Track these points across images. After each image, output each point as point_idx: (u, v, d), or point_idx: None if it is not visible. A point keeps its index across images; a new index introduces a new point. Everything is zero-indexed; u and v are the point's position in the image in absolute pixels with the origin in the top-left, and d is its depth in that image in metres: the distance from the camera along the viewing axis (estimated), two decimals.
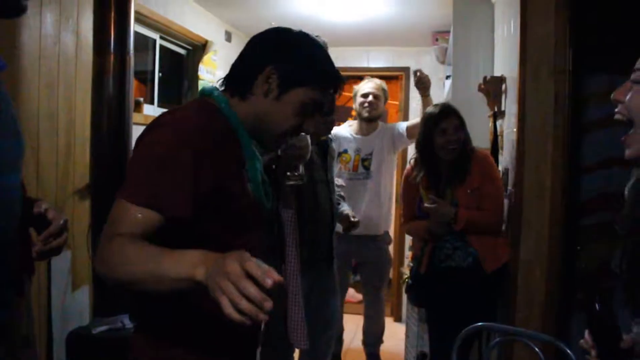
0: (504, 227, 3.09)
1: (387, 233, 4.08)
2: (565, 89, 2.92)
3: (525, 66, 2.98)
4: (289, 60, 1.41)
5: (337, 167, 3.71)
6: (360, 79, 7.49)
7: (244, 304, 0.96)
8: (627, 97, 1.22)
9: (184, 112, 1.39)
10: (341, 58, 6.22)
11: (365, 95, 3.94)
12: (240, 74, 1.45)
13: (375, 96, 3.93)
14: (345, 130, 4.08)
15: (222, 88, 1.48)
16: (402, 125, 4.08)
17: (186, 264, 1.09)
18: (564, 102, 2.92)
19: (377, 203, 3.92)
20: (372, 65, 6.22)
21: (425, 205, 2.89)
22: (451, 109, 2.98)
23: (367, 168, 3.88)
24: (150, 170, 1.26)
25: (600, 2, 2.94)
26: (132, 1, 2.92)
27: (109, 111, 2.82)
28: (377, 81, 4.05)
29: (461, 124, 2.96)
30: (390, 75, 6.14)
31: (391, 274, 5.89)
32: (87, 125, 2.88)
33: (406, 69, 6.06)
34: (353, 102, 4.07)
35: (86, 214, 2.89)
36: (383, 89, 3.99)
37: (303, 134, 1.59)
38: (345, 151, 3.92)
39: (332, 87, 1.48)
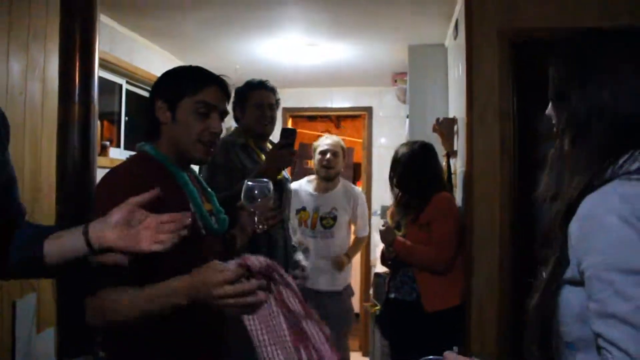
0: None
1: (349, 286, 4.05)
2: (511, 130, 3.11)
3: (472, 109, 3.17)
4: (166, 86, 1.67)
5: (295, 219, 3.81)
6: (328, 118, 7.75)
7: (248, 300, 1.23)
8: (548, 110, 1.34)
9: (120, 166, 1.64)
10: (306, 99, 6.43)
11: (323, 153, 3.90)
12: (147, 119, 1.69)
13: (334, 153, 3.88)
14: (305, 185, 4.04)
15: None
16: (359, 200, 4.10)
17: (171, 298, 1.32)
18: (510, 143, 3.11)
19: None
20: (336, 105, 6.41)
21: (379, 228, 3.10)
22: (415, 150, 3.17)
23: (325, 227, 3.86)
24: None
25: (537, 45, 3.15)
26: (96, 50, 3.02)
27: (74, 157, 2.89)
28: (335, 138, 4.02)
29: (412, 163, 3.12)
30: (354, 115, 6.34)
31: (357, 308, 6.00)
32: (52, 172, 2.94)
33: (369, 108, 6.27)
34: (312, 158, 4.04)
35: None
36: (341, 146, 3.96)
37: (266, 184, 1.76)
38: (304, 209, 3.90)
39: (207, 84, 1.68)
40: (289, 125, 6.73)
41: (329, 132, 7.21)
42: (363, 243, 4.30)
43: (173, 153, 1.67)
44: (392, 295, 3.10)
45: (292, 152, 2.43)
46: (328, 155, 3.86)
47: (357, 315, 6.09)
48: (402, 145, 3.24)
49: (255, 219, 1.80)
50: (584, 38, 1.29)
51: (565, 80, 1.24)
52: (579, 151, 1.18)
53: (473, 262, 3.05)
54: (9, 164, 1.35)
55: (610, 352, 0.96)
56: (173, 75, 1.73)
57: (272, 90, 2.85)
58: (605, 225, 1.03)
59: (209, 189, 1.86)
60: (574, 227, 1.08)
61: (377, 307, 3.64)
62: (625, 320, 0.95)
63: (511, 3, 3.14)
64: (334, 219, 3.88)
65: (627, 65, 1.19)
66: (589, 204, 1.08)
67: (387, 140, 6.06)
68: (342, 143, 4.01)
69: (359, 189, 4.32)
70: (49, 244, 1.20)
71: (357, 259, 6.29)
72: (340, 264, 3.86)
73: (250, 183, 1.78)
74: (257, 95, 2.79)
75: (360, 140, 6.51)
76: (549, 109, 1.33)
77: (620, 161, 1.10)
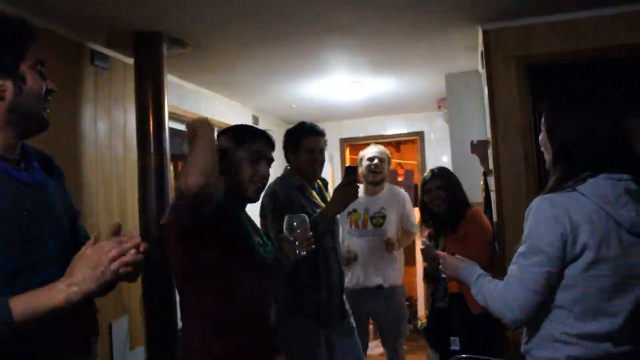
0: None
1: (401, 286, 4.22)
2: (532, 146, 3.40)
3: (497, 130, 3.48)
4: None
5: (346, 223, 4.08)
6: (389, 143, 8.09)
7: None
8: (540, 138, 1.81)
9: None
10: (361, 129, 6.86)
11: (370, 159, 4.14)
12: None
13: (380, 159, 4.16)
14: None
15: None
16: (405, 201, 4.29)
17: None
18: (533, 158, 3.40)
19: (389, 257, 4.12)
20: (389, 132, 6.79)
21: (420, 248, 3.33)
22: (435, 173, 3.38)
23: (375, 226, 4.11)
24: None
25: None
26: (166, 107, 3.55)
27: (152, 199, 3.41)
28: (381, 147, 4.30)
29: (444, 184, 3.30)
30: (407, 140, 6.70)
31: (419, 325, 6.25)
32: (136, 213, 3.49)
33: (420, 133, 6.62)
34: (359, 166, 4.26)
35: (139, 284, 3.42)
36: (387, 154, 4.25)
37: (304, 217, 2.18)
38: (355, 210, 4.13)
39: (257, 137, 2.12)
40: (348, 153, 7.16)
41: (392, 155, 7.57)
42: (411, 238, 4.43)
43: (233, 195, 2.09)
44: (437, 306, 3.36)
45: (356, 187, 2.74)
46: (375, 161, 4.13)
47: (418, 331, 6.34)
48: (428, 172, 3.48)
49: (296, 244, 2.14)
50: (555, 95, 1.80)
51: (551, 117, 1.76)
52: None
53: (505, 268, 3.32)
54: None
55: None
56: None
57: (322, 135, 3.06)
58: (532, 216, 1.63)
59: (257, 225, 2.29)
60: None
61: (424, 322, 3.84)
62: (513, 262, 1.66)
63: (524, 31, 3.48)
64: (383, 217, 4.13)
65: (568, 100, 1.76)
66: (534, 202, 1.65)
67: (447, 160, 6.33)
68: (387, 152, 4.28)
69: (403, 190, 4.49)
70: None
71: (421, 271, 6.58)
72: (390, 244, 4.03)
73: (290, 216, 2.16)
74: (310, 141, 2.95)
75: (415, 163, 6.84)
76: (542, 137, 1.81)
77: (571, 182, 1.63)
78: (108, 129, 3.66)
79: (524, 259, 1.63)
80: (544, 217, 1.60)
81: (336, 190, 2.79)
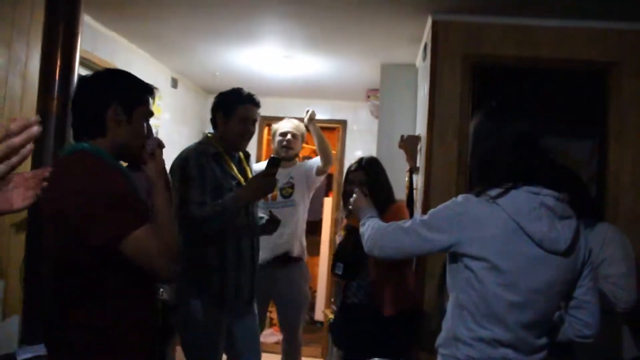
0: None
1: (305, 263, 4.12)
2: (467, 148, 3.29)
3: (433, 128, 3.35)
4: (124, 93, 1.79)
5: None
6: (308, 130, 7.89)
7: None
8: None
9: (83, 168, 1.68)
10: (282, 108, 6.59)
11: (283, 134, 4.03)
12: (91, 117, 1.76)
13: (294, 135, 4.03)
14: (264, 165, 4.09)
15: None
16: (314, 163, 4.12)
17: None
18: (466, 161, 3.29)
19: (298, 230, 3.99)
20: None
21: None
22: (361, 165, 3.16)
23: (285, 196, 3.98)
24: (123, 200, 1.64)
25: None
26: (77, 49, 3.14)
27: (49, 150, 3.01)
28: (295, 121, 4.15)
29: (367, 179, 3.08)
30: (329, 127, 6.51)
31: (321, 316, 6.15)
32: (28, 165, 3.06)
33: (344, 122, 6.45)
34: (272, 141, 4.17)
35: (21, 247, 3.02)
36: (301, 131, 4.11)
37: None
38: None
39: (152, 95, 1.90)
40: (265, 133, 6.88)
41: (307, 142, 7.39)
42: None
43: (115, 153, 1.84)
44: (349, 301, 3.21)
45: (274, 181, 2.70)
46: (288, 137, 4.00)
47: (320, 323, 6.24)
48: (356, 162, 3.27)
49: None
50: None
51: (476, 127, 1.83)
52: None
53: (426, 269, 3.22)
54: None
55: None
56: (130, 84, 1.88)
57: (258, 106, 2.89)
58: (449, 203, 1.76)
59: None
60: None
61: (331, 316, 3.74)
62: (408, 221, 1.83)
63: (475, 30, 3.36)
64: (292, 187, 4.01)
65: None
66: (460, 195, 1.76)
67: (362, 153, 6.22)
68: (303, 128, 4.14)
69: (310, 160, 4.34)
70: None
71: (324, 263, 6.47)
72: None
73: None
74: (245, 110, 2.79)
75: (334, 152, 6.66)
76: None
77: (495, 192, 1.68)
78: (6, 63, 3.17)
79: (420, 226, 1.76)
80: (452, 210, 1.71)
81: (253, 179, 2.70)
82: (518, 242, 1.62)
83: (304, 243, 4.12)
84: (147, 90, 1.86)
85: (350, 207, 2.28)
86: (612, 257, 2.37)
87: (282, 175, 3.92)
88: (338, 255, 3.22)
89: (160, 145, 1.86)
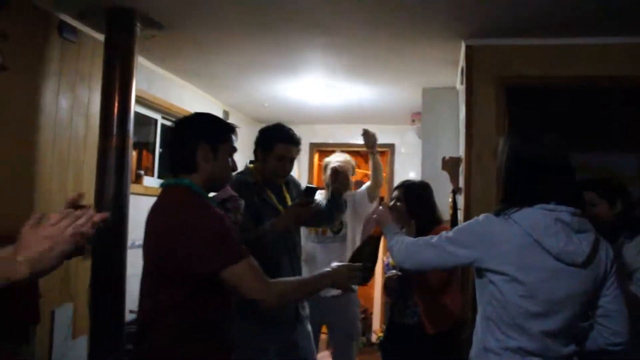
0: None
1: (355, 294, 4.08)
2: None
3: (471, 149, 3.43)
4: (210, 133, 1.97)
5: (304, 231, 3.89)
6: (358, 153, 8.02)
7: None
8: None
9: (189, 205, 1.88)
10: (331, 135, 6.78)
11: (334, 170, 3.90)
12: (184, 156, 1.95)
13: (345, 170, 3.89)
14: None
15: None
16: (363, 192, 4.14)
17: None
18: None
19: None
20: (360, 141, 6.67)
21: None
22: (400, 185, 3.26)
23: (335, 232, 4.02)
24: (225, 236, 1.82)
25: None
26: (133, 89, 3.39)
27: (111, 183, 3.25)
28: (347, 156, 4.19)
29: (405, 198, 3.16)
30: (380, 151, 6.62)
31: (374, 339, 6.20)
32: (91, 197, 3.32)
33: (391, 145, 6.57)
34: (323, 173, 4.17)
35: (87, 273, 3.25)
36: (352, 164, 4.16)
37: None
38: None
39: (234, 133, 2.07)
40: (316, 159, 7.06)
41: (358, 166, 7.51)
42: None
43: (205, 188, 2.05)
44: (395, 320, 3.29)
45: (310, 210, 2.78)
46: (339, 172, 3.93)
47: (376, 345, 6.28)
48: (408, 180, 3.39)
49: None
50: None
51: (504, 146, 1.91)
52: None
53: (469, 289, 3.27)
54: None
55: None
56: (214, 124, 2.07)
57: (297, 144, 2.94)
58: (472, 222, 1.87)
59: None
60: None
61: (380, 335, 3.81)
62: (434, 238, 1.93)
63: (507, 52, 3.44)
64: (341, 222, 4.02)
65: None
66: (481, 215, 1.86)
67: (414, 175, 6.30)
68: (353, 162, 4.18)
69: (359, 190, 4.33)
70: None
71: (379, 285, 6.53)
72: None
73: None
74: (282, 149, 2.83)
75: (383, 175, 6.77)
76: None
77: (512, 209, 1.78)
78: (70, 106, 3.48)
79: (445, 241, 1.88)
80: (474, 228, 1.84)
81: (290, 208, 2.78)
82: (535, 256, 1.71)
83: None
84: (230, 130, 2.06)
85: (375, 216, 2.35)
86: None
87: None
88: (353, 260, 3.26)
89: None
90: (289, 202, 2.98)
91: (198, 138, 1.95)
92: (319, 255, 3.94)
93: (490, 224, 1.80)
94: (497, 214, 1.81)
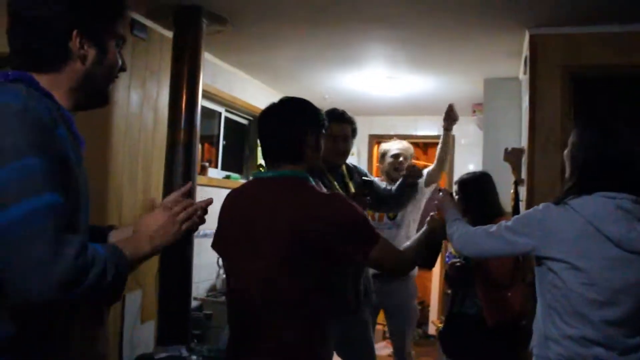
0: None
1: (412, 280, 4.10)
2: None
3: (535, 140, 3.39)
4: (316, 121, 1.95)
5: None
6: (416, 144, 7.98)
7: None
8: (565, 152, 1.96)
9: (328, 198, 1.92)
10: (392, 126, 6.78)
11: (395, 156, 4.04)
12: (291, 144, 1.93)
13: (405, 157, 4.06)
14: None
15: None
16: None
17: None
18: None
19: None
20: (421, 132, 6.70)
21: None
22: (459, 180, 3.31)
23: (391, 218, 4.00)
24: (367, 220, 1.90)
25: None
26: (200, 83, 3.53)
27: (179, 175, 3.39)
28: (405, 143, 4.21)
29: (460, 194, 3.21)
30: (436, 142, 6.58)
31: (434, 331, 6.19)
32: (160, 187, 3.47)
33: (452, 136, 6.49)
34: (381, 160, 4.19)
35: (156, 260, 3.37)
36: (410, 152, 4.17)
37: None
38: None
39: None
40: (375, 151, 7.08)
41: (417, 158, 7.49)
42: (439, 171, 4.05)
43: None
44: (455, 310, 3.29)
45: (366, 202, 2.82)
46: (400, 159, 4.01)
47: (433, 337, 6.28)
48: (463, 175, 3.38)
49: None
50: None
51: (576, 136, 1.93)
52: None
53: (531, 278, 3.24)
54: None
55: None
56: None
57: (349, 122, 3.01)
58: (531, 210, 1.94)
59: None
60: None
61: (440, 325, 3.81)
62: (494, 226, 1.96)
63: (573, 41, 3.37)
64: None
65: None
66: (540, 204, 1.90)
67: (474, 167, 6.23)
68: (411, 149, 4.18)
69: None
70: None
71: (436, 277, 6.51)
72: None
73: None
74: (334, 128, 2.85)
75: None
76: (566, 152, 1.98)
77: (569, 197, 1.81)
78: (140, 100, 3.64)
79: (505, 230, 1.91)
80: (533, 216, 1.87)
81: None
82: (595, 243, 1.72)
83: None
84: (330, 119, 2.13)
85: (436, 202, 2.37)
86: None
87: None
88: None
89: None
90: (352, 189, 3.02)
91: (306, 127, 1.93)
92: None
93: (549, 212, 1.82)
94: (557, 202, 1.83)
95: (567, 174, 1.95)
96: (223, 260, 2.05)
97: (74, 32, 1.24)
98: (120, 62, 1.37)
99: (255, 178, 2.10)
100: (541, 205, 1.87)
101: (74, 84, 1.28)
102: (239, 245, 1.88)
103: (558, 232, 1.78)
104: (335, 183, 2.97)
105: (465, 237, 2.06)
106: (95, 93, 1.36)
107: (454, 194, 3.26)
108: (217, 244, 2.03)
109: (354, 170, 3.18)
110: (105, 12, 1.31)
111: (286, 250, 1.79)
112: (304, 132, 1.91)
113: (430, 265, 2.67)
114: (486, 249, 2.00)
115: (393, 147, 4.11)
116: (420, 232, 2.17)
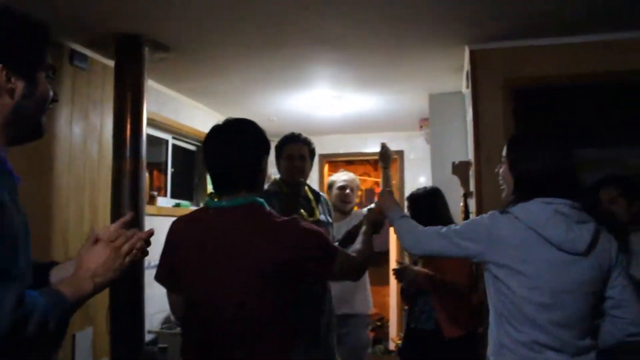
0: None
1: (366, 315, 4.09)
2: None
3: (480, 152, 3.45)
4: (267, 144, 1.94)
5: None
6: (367, 161, 8.06)
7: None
8: (501, 170, 2.00)
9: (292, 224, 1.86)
10: (342, 145, 6.82)
11: (341, 188, 4.10)
12: (250, 172, 1.89)
13: (351, 189, 4.13)
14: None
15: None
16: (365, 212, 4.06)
17: None
18: None
19: (354, 285, 3.80)
20: (370, 150, 6.75)
21: (393, 269, 3.28)
22: (409, 196, 3.40)
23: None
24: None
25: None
26: (144, 112, 3.45)
27: (126, 206, 3.30)
28: (351, 174, 4.28)
29: (411, 211, 3.29)
30: None
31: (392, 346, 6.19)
32: (107, 219, 3.38)
33: (400, 152, 6.59)
34: (329, 191, 4.23)
35: (106, 295, 3.27)
36: (356, 183, 4.24)
37: None
38: None
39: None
40: (326, 170, 7.11)
41: (368, 174, 7.55)
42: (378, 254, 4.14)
43: None
44: (412, 326, 3.30)
45: (297, 201, 2.91)
46: (347, 191, 4.08)
47: (394, 352, 6.28)
48: (414, 191, 3.46)
49: None
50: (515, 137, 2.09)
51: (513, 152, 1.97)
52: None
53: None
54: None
55: None
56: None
57: (303, 142, 3.07)
58: (477, 218, 2.01)
59: None
60: None
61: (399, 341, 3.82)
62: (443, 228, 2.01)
63: (512, 54, 3.47)
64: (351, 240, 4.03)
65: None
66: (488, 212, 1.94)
67: (424, 181, 6.30)
68: (357, 180, 4.25)
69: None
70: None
71: (394, 292, 6.53)
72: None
73: None
74: (289, 148, 3.02)
75: (393, 182, 6.80)
76: (497, 168, 2.06)
77: (510, 206, 1.88)
78: (84, 132, 3.55)
79: (454, 233, 1.96)
80: (479, 223, 1.92)
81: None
82: (538, 247, 1.77)
83: (366, 295, 4.05)
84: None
85: (374, 204, 2.42)
86: None
87: (338, 230, 3.89)
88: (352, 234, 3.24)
89: None
90: (317, 213, 3.07)
91: (260, 151, 1.87)
92: None
93: (495, 219, 1.88)
94: (501, 211, 1.89)
95: (507, 192, 1.97)
96: (174, 292, 1.95)
97: None
98: (51, 93, 1.32)
99: (209, 207, 1.91)
100: (488, 214, 1.93)
101: (4, 120, 1.24)
102: (200, 277, 1.81)
103: (502, 238, 1.83)
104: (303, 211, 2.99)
105: (415, 235, 2.10)
106: (28, 127, 1.31)
107: (406, 209, 3.31)
108: (169, 277, 1.92)
109: (322, 200, 3.23)
110: (30, 43, 1.28)
111: (252, 279, 1.75)
112: (258, 156, 1.86)
113: (377, 263, 2.74)
114: (436, 248, 2.03)
115: (339, 178, 4.18)
116: (362, 231, 2.19)
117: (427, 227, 2.09)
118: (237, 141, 1.84)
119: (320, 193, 3.28)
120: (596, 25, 3.29)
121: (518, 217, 1.81)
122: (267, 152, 1.90)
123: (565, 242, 1.75)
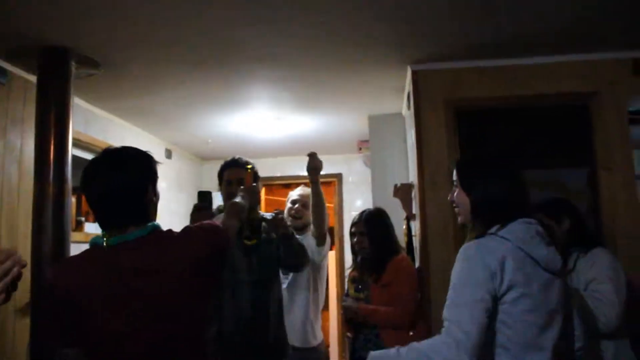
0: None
1: (323, 343, 3.87)
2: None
3: (424, 174, 3.40)
4: (154, 171, 1.86)
5: None
6: (305, 185, 7.92)
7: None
8: (455, 194, 1.93)
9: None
10: (279, 168, 6.69)
11: (293, 202, 3.90)
12: (139, 203, 1.77)
13: (303, 204, 3.83)
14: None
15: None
16: (308, 237, 3.70)
17: None
18: None
19: (311, 310, 3.71)
20: (306, 173, 6.62)
21: (342, 303, 3.20)
22: (362, 217, 3.31)
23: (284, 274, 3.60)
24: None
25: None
26: (70, 131, 3.21)
27: (48, 234, 3.04)
28: (308, 190, 3.82)
29: (367, 232, 3.24)
30: (324, 181, 6.57)
31: None
32: (28, 248, 3.10)
33: (339, 175, 6.53)
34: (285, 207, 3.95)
35: (26, 330, 3.04)
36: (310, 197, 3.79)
37: None
38: None
39: None
40: (263, 193, 6.94)
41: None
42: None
43: None
44: (357, 355, 3.20)
45: (210, 214, 2.88)
46: (297, 205, 3.81)
47: None
48: (358, 214, 3.40)
49: None
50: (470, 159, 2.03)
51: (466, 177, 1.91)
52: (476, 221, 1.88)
53: (432, 319, 3.21)
54: None
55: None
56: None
57: (241, 166, 2.94)
58: (458, 260, 1.77)
59: None
60: None
61: None
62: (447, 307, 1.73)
63: (452, 76, 3.46)
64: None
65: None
66: (463, 247, 1.78)
67: (361, 204, 6.25)
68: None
69: None
70: None
71: (334, 322, 6.41)
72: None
73: None
74: (228, 173, 3.01)
75: (331, 205, 6.71)
76: (450, 195, 1.97)
77: (494, 229, 1.79)
78: (1, 152, 3.26)
79: (458, 296, 1.72)
80: (474, 260, 1.72)
81: (191, 215, 2.97)
82: (531, 267, 1.73)
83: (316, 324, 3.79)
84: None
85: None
86: (600, 275, 2.49)
87: None
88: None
89: None
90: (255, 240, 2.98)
91: (146, 181, 1.77)
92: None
93: (484, 245, 1.75)
94: (480, 237, 1.79)
95: (464, 214, 1.89)
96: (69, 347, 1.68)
97: None
98: None
99: (103, 245, 1.71)
100: (466, 247, 1.76)
101: None
102: (108, 322, 1.63)
103: (501, 262, 1.71)
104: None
105: (444, 341, 1.70)
106: None
107: (358, 234, 3.24)
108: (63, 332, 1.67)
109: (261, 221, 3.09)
110: None
111: (177, 297, 1.68)
112: (144, 187, 1.75)
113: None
114: (473, 323, 1.66)
115: (294, 193, 3.96)
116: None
117: (429, 340, 1.79)
118: (118, 173, 1.73)
119: (263, 214, 3.12)
120: (529, 49, 3.33)
121: (507, 238, 1.75)
122: (153, 180, 1.79)
123: (548, 262, 1.75)
